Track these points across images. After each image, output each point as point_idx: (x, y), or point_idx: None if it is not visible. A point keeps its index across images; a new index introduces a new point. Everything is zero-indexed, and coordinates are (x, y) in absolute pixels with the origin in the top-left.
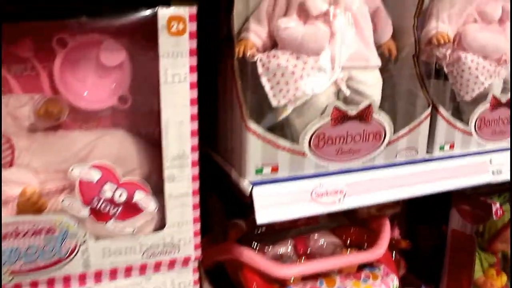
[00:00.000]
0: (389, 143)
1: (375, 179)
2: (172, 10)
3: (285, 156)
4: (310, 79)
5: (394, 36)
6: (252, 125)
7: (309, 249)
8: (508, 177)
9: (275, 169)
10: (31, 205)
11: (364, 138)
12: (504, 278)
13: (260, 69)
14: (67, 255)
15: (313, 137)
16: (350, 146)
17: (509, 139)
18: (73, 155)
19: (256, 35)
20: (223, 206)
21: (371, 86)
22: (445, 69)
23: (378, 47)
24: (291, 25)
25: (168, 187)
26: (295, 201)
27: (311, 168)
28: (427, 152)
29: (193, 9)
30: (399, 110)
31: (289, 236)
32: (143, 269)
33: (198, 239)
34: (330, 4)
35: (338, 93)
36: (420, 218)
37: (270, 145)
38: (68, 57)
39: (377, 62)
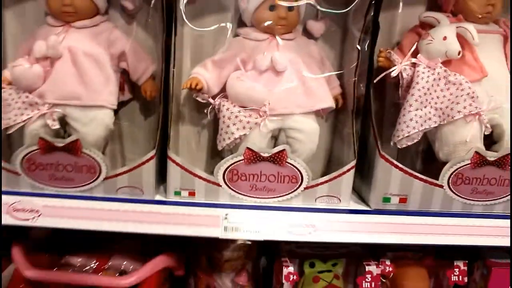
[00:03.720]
0: (106, 178)
1: (89, 209)
2: None
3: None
4: (20, 111)
5: None
6: None
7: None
8: (247, 237)
9: None
10: None
11: (77, 170)
12: None
13: None
14: None
15: (23, 162)
16: (63, 174)
17: (274, 198)
18: None
19: None
20: None
21: (88, 123)
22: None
23: None
24: (18, 64)
25: None
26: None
27: (27, 187)
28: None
29: None
30: None
31: None
32: None
33: None
34: (48, 47)
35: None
36: None
37: None
38: None
39: (99, 101)
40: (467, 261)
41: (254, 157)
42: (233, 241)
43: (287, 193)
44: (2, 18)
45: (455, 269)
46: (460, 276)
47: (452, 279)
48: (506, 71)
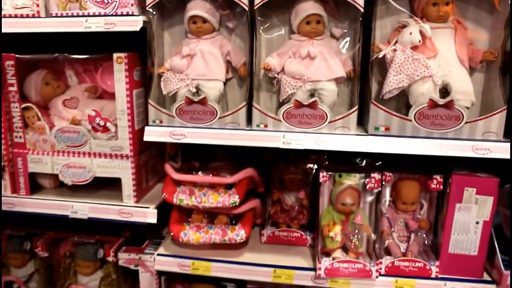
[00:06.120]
0: (220, 117)
1: (212, 133)
2: (117, 54)
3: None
4: (175, 83)
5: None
6: None
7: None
8: (295, 147)
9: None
10: (74, 122)
11: (204, 114)
12: (336, 228)
13: None
14: (84, 143)
15: (177, 110)
16: (197, 116)
17: (311, 128)
18: (94, 108)
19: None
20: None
21: (210, 88)
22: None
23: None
24: (174, 59)
25: (119, 122)
26: (161, 136)
27: (178, 124)
28: (247, 126)
29: (126, 54)
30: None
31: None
32: (111, 156)
33: (132, 147)
34: (190, 50)
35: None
36: None
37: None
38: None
39: (216, 76)
40: (443, 175)
41: (299, 105)
42: (296, 167)
43: (319, 125)
44: None
45: (433, 180)
46: (437, 185)
47: (432, 187)
48: (452, 51)
